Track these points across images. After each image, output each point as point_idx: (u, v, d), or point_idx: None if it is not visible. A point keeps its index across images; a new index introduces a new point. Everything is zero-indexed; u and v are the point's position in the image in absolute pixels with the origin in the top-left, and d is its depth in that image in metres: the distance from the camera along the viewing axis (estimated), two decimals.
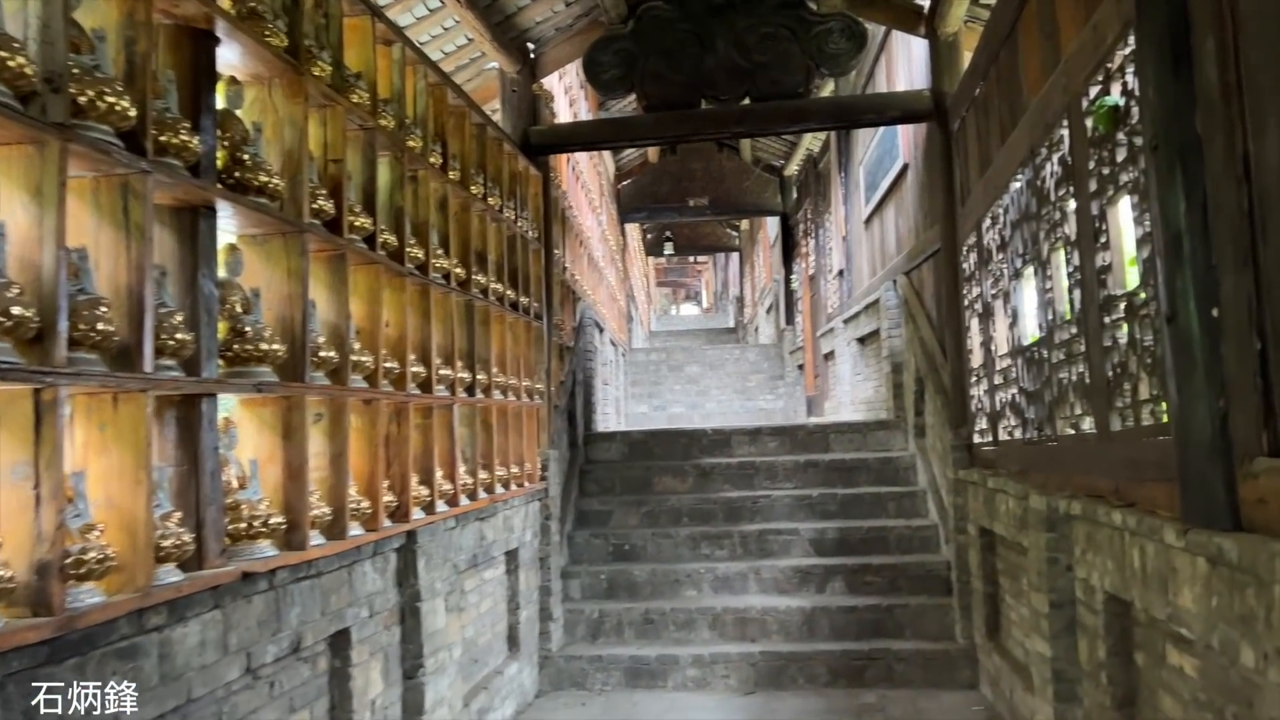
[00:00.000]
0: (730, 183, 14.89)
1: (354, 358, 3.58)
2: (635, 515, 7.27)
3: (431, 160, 4.49)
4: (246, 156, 3.03)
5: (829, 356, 11.67)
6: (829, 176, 11.45)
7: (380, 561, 3.84)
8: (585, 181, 9.40)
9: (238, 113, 3.15)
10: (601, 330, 10.21)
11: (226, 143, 3.01)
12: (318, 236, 3.36)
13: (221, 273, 3.02)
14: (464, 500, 4.65)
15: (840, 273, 10.53)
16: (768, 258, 18.39)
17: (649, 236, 25.84)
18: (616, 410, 12.56)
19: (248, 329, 3.01)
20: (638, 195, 14.90)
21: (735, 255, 27.99)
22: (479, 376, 4.97)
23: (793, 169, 14.56)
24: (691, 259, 40.94)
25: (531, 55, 6.64)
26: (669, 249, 25.18)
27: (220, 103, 3.03)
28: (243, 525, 2.92)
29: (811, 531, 6.82)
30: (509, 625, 5.62)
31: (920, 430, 7.30)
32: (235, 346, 2.96)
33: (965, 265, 5.71)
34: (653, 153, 14.66)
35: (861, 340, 9.72)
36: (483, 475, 4.99)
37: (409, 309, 4.15)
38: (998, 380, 4.98)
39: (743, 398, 14.83)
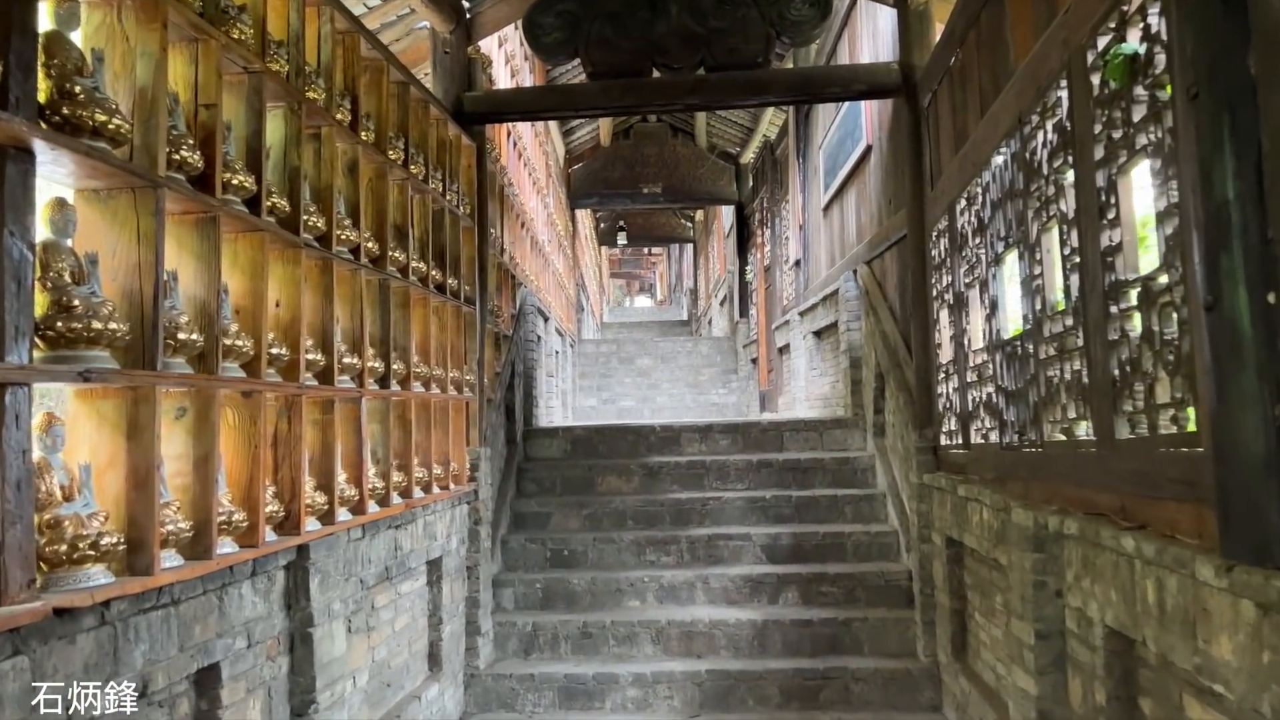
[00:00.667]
0: (685, 169, 14.41)
1: (228, 341, 3.00)
2: (576, 518, 6.74)
3: (338, 117, 3.91)
4: (80, 90, 2.44)
5: (784, 350, 11.24)
6: (787, 163, 11.01)
7: (262, 582, 3.27)
8: (529, 159, 8.82)
9: (72, 36, 2.55)
10: (546, 319, 9.66)
11: (53, 71, 2.42)
12: (180, 194, 2.77)
13: (45, 233, 2.44)
14: (373, 507, 4.09)
15: (797, 263, 10.09)
16: (722, 249, 17.96)
17: (602, 225, 25.29)
18: (563, 404, 12.02)
19: (77, 303, 2.42)
20: (589, 180, 14.36)
21: (690, 247, 27.57)
22: (395, 366, 4.40)
23: (749, 156, 14.12)
24: (646, 250, 40.48)
25: (467, 14, 6.06)
26: (622, 239, 24.66)
27: (46, 22, 2.44)
28: (64, 547, 2.34)
29: (764, 537, 6.35)
30: (430, 643, 5.05)
31: (880, 429, 6.88)
32: (59, 324, 2.37)
33: (934, 252, 5.26)
34: (605, 135, 14.13)
35: (818, 334, 9.28)
36: (398, 478, 4.42)
37: (306, 287, 3.56)
38: (971, 377, 4.53)
39: (694, 392, 14.37)
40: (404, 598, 4.70)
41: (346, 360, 3.88)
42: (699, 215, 24.29)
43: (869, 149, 7.04)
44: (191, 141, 2.88)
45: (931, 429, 5.39)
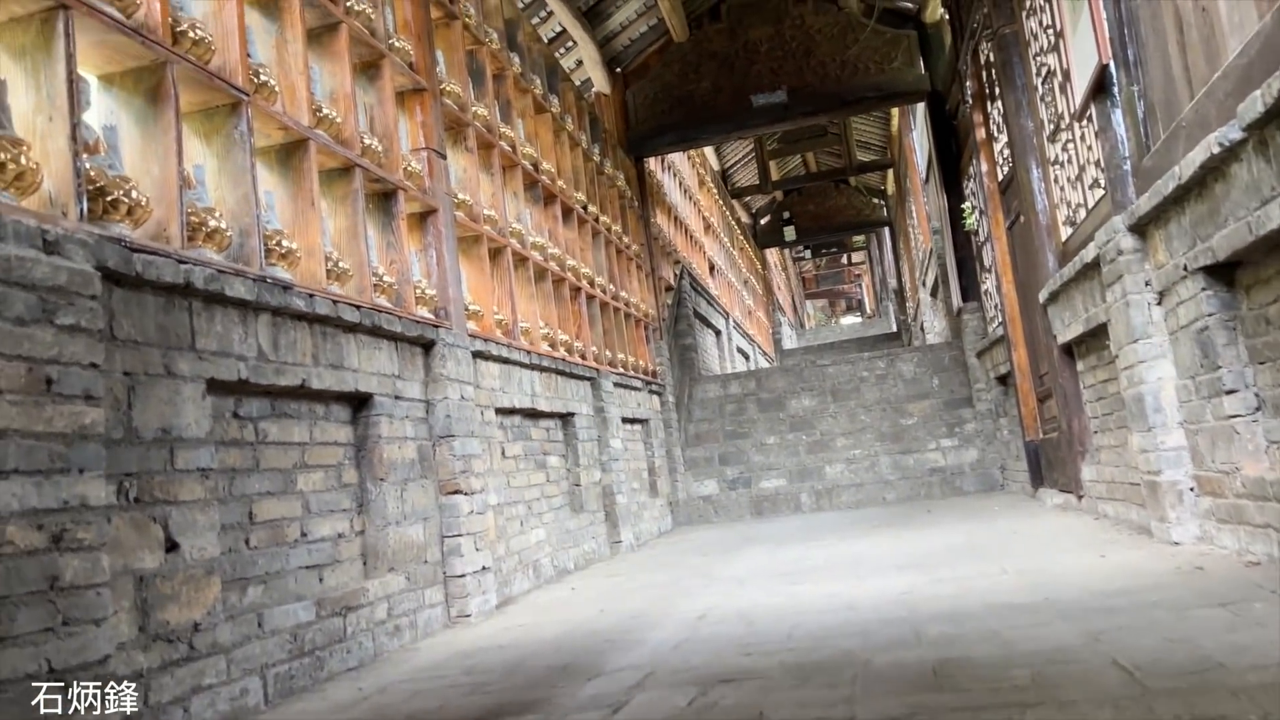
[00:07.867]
0: (824, 53, 8.11)
1: None
2: None
3: None
4: None
5: (1076, 348, 4.63)
6: None
7: None
8: None
9: None
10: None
11: None
12: None
13: None
14: None
15: (1099, 83, 3.56)
16: (921, 204, 11.30)
17: (762, 222, 19.10)
18: (630, 507, 5.94)
19: None
20: (659, 103, 8.35)
21: (886, 235, 20.65)
22: None
23: (936, 7, 7.56)
24: (844, 259, 33.59)
25: None
26: (790, 233, 18.36)
27: None
28: None
29: None
30: None
31: None
32: None
33: None
34: (676, 24, 8.06)
35: (1225, 267, 2.75)
36: None
37: None
38: None
39: (894, 448, 7.81)
40: None
41: None
42: (889, 184, 17.52)
43: None
44: None
45: None
